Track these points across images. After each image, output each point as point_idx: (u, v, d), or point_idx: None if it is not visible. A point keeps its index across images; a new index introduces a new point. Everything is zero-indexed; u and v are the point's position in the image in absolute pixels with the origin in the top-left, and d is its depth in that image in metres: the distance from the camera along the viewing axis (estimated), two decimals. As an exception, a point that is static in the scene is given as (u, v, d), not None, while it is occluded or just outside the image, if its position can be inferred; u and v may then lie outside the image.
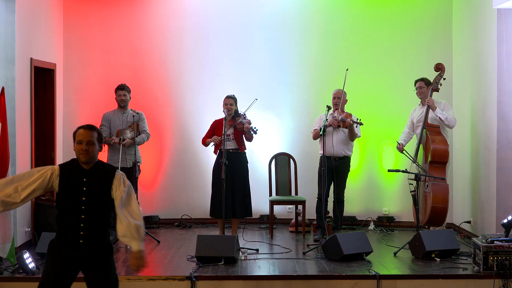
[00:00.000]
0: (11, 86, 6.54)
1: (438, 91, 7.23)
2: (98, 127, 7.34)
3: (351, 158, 7.54)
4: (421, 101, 7.34)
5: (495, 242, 5.58)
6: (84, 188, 3.82)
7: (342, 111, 7.33)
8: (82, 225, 3.80)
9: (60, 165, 3.90)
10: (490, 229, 6.84)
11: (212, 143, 7.15)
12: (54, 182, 3.82)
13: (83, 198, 3.81)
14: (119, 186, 3.87)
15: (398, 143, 7.33)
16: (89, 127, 3.88)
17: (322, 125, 6.99)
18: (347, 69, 7.19)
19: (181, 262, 6.20)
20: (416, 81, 7.34)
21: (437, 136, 7.03)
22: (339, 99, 7.32)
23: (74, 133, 3.89)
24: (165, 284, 5.50)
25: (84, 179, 3.83)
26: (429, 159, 6.96)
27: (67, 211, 3.82)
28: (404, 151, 7.22)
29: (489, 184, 7.02)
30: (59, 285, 3.84)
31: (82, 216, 3.81)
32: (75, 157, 3.92)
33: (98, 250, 3.88)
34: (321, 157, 7.39)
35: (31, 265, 5.59)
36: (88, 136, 3.83)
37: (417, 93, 7.32)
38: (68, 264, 3.83)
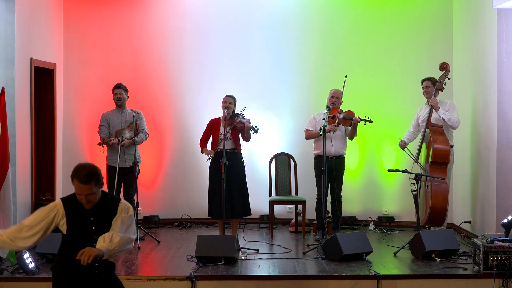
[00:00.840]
0: (11, 86, 6.54)
1: (442, 91, 7.23)
2: (98, 127, 7.39)
3: (351, 158, 7.54)
4: (427, 101, 7.32)
5: (495, 242, 5.58)
6: (93, 228, 3.82)
7: (341, 110, 7.31)
8: (98, 258, 3.73)
9: (63, 202, 3.81)
10: (490, 229, 6.84)
11: (207, 157, 7.18)
12: (60, 222, 3.79)
13: (94, 237, 3.80)
14: (120, 214, 3.87)
15: (401, 140, 7.32)
16: (86, 181, 3.70)
17: (322, 125, 6.97)
18: (345, 76, 7.18)
19: (181, 262, 6.20)
20: (423, 80, 7.32)
21: (439, 136, 7.02)
22: (337, 98, 7.31)
23: (72, 178, 3.75)
24: (165, 284, 5.50)
25: (92, 218, 3.82)
26: (430, 159, 6.95)
27: (77, 247, 3.73)
28: (406, 149, 7.21)
29: (489, 184, 7.02)
30: None
31: (94, 245, 3.76)
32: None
33: (109, 276, 3.95)
34: (316, 157, 7.41)
35: (31, 265, 5.58)
36: (86, 190, 3.73)
37: (423, 93, 7.30)
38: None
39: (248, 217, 7.35)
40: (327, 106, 7.22)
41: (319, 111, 7.56)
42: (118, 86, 7.42)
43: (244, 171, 7.26)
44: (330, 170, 7.24)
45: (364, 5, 8.54)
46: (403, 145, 7.27)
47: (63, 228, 3.81)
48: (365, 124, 7.21)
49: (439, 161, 6.96)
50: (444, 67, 7.18)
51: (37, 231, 3.75)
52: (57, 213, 3.79)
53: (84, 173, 3.70)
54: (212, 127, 7.27)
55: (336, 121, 7.19)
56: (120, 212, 3.87)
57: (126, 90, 7.46)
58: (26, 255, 5.59)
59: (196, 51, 8.56)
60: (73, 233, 3.81)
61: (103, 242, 3.72)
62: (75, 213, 3.81)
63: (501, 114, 6.84)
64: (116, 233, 3.76)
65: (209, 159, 7.16)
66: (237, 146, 7.19)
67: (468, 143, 7.68)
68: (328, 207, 7.61)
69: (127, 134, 7.31)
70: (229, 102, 7.16)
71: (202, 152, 7.28)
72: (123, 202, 3.93)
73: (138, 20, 8.52)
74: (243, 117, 7.12)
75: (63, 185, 8.13)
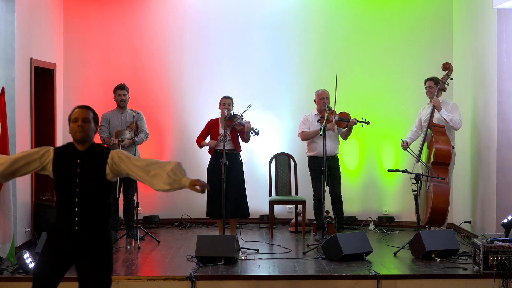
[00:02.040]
0: (11, 86, 6.54)
1: (445, 91, 7.23)
2: (98, 128, 7.37)
3: (351, 158, 7.55)
4: (429, 100, 7.32)
5: (495, 242, 5.58)
6: (78, 170, 3.72)
7: (334, 111, 7.31)
8: (76, 209, 3.69)
9: (55, 148, 3.83)
10: (490, 229, 6.84)
11: (209, 147, 7.17)
12: (47, 163, 3.74)
13: (77, 180, 3.70)
14: (119, 158, 3.74)
15: (403, 141, 7.32)
16: (85, 106, 3.83)
17: (322, 125, 6.97)
18: (336, 74, 7.19)
19: (181, 262, 6.20)
20: (426, 80, 7.31)
21: (441, 136, 7.01)
22: (328, 99, 7.32)
23: (69, 115, 3.81)
24: (165, 284, 5.50)
25: (78, 161, 3.74)
26: (432, 159, 6.95)
27: (62, 195, 3.73)
28: (408, 149, 7.21)
29: (489, 184, 7.02)
30: (51, 276, 3.70)
31: (76, 200, 3.70)
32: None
33: (93, 239, 3.73)
34: (310, 158, 7.41)
35: (31, 265, 5.57)
36: (83, 114, 3.76)
37: (426, 93, 7.29)
38: (62, 253, 3.71)
39: (248, 217, 7.36)
40: (327, 106, 7.22)
41: (310, 112, 7.56)
42: (122, 87, 7.41)
43: (243, 172, 7.26)
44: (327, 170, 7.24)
45: (364, 5, 8.54)
46: (405, 146, 7.27)
47: (49, 167, 3.74)
48: (362, 125, 7.22)
49: (441, 162, 6.96)
50: (447, 67, 7.18)
51: (21, 157, 3.73)
52: (47, 152, 3.76)
53: (80, 105, 3.84)
54: (211, 128, 7.27)
55: (334, 121, 7.20)
56: (115, 158, 3.75)
57: (128, 91, 7.47)
58: (26, 255, 5.59)
59: (196, 51, 8.56)
60: (58, 172, 3.73)
61: (174, 181, 3.64)
62: (64, 155, 3.76)
63: (501, 114, 6.84)
64: (166, 168, 3.65)
65: (211, 148, 7.12)
66: (236, 147, 7.19)
67: (468, 143, 7.68)
68: (328, 207, 7.61)
69: (127, 134, 7.31)
70: (227, 103, 7.17)
71: (202, 146, 7.24)
72: (116, 150, 3.85)
73: (138, 20, 8.52)
74: (242, 118, 7.12)
75: (63, 185, 8.14)
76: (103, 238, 3.80)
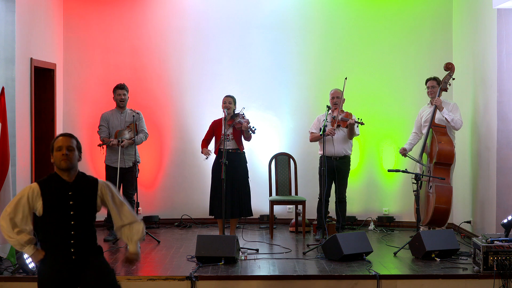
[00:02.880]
0: (11, 86, 6.54)
1: (446, 91, 7.23)
2: (97, 128, 7.38)
3: (351, 157, 7.52)
4: (430, 100, 7.32)
5: (495, 242, 5.58)
6: (71, 202, 3.71)
7: (342, 111, 7.33)
8: (72, 241, 3.71)
9: (38, 182, 3.76)
10: (490, 229, 6.84)
11: (204, 157, 7.21)
12: (36, 203, 3.69)
13: (71, 213, 3.70)
14: (106, 193, 3.83)
15: (402, 148, 7.34)
16: (68, 134, 3.82)
17: (322, 125, 6.97)
18: (345, 78, 7.18)
19: (181, 262, 6.20)
20: (427, 80, 7.31)
21: (443, 136, 7.02)
22: (338, 98, 7.32)
23: (52, 144, 3.78)
24: (165, 284, 5.50)
25: (70, 193, 3.73)
26: (435, 160, 6.95)
27: (54, 230, 3.70)
28: (408, 155, 7.23)
29: (489, 184, 7.02)
30: None
31: (72, 232, 3.71)
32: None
33: (90, 257, 3.81)
34: (321, 157, 7.41)
35: (31, 265, 5.58)
36: (67, 142, 3.74)
37: (428, 92, 7.29)
38: (62, 283, 3.72)
39: (251, 216, 7.37)
40: (327, 106, 7.22)
41: (321, 112, 7.57)
42: (121, 87, 7.40)
43: (247, 171, 7.27)
44: (332, 170, 7.25)
45: (364, 5, 8.54)
46: (403, 153, 7.29)
47: (38, 205, 3.69)
48: (357, 126, 7.23)
49: (444, 162, 6.96)
50: (449, 67, 7.18)
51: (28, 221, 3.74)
52: (32, 191, 3.70)
53: (64, 133, 3.85)
54: (215, 128, 7.28)
55: (336, 123, 7.20)
56: (103, 188, 3.82)
57: (128, 91, 7.47)
58: (26, 255, 5.59)
59: (196, 51, 8.56)
60: (50, 209, 3.70)
61: (133, 242, 3.87)
62: (52, 189, 3.72)
63: (501, 114, 6.84)
64: (132, 224, 3.86)
65: (206, 158, 7.20)
66: (240, 146, 7.19)
67: (468, 143, 7.68)
68: (331, 207, 7.60)
69: (127, 134, 7.30)
70: (228, 102, 7.18)
71: (202, 153, 7.30)
72: (101, 181, 3.88)
73: (138, 20, 8.52)
74: (243, 117, 7.13)
75: (63, 185, 8.14)
76: (98, 255, 3.89)
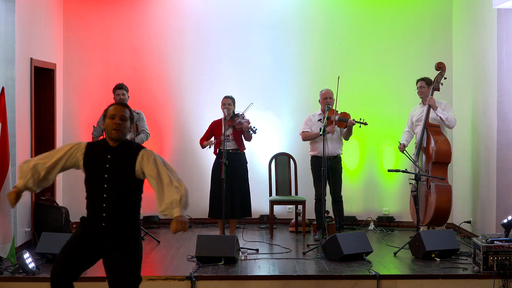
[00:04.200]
0: (11, 86, 6.54)
1: (439, 90, 7.23)
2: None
3: (351, 158, 7.56)
4: (421, 101, 7.35)
5: (495, 242, 5.58)
6: (107, 165, 3.69)
7: (337, 111, 7.32)
8: (104, 205, 3.67)
9: (88, 143, 3.82)
10: (490, 229, 6.84)
11: (208, 146, 7.19)
12: (78, 157, 3.73)
13: (106, 176, 3.67)
14: (145, 161, 3.72)
15: (400, 143, 7.35)
16: (122, 104, 3.83)
17: (322, 125, 6.97)
18: (338, 77, 7.18)
19: (181, 262, 6.20)
20: (417, 81, 7.35)
21: (439, 136, 7.04)
22: (331, 99, 7.31)
23: (106, 110, 3.80)
24: (165, 284, 5.50)
25: (109, 156, 3.72)
26: (433, 159, 6.95)
27: (91, 190, 3.72)
28: (405, 152, 7.24)
29: (489, 184, 7.02)
30: (75, 259, 3.70)
31: (104, 195, 3.67)
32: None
33: (121, 235, 3.71)
34: (312, 157, 7.43)
35: (31, 265, 5.58)
36: (121, 111, 3.74)
37: (418, 92, 7.33)
38: (89, 244, 3.71)
39: (250, 217, 7.37)
40: (327, 106, 7.22)
41: (314, 112, 7.57)
42: (120, 87, 7.40)
43: (247, 172, 7.27)
44: (327, 170, 7.25)
45: (364, 5, 8.54)
46: (402, 148, 7.30)
47: (80, 161, 3.72)
48: (360, 126, 7.22)
49: (442, 161, 6.97)
50: (440, 66, 7.19)
51: (60, 169, 3.75)
52: (79, 147, 3.75)
53: (119, 102, 3.89)
54: (214, 129, 7.29)
55: (333, 123, 7.20)
56: (144, 158, 3.72)
57: (127, 91, 7.46)
58: (26, 255, 5.59)
59: (196, 51, 8.56)
60: (88, 167, 3.71)
61: (172, 206, 3.69)
62: (95, 150, 3.75)
63: (501, 114, 6.84)
64: (176, 193, 3.72)
65: (209, 147, 7.20)
66: (240, 147, 7.19)
67: (468, 143, 7.68)
68: (329, 207, 7.61)
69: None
70: (227, 103, 7.18)
71: (204, 147, 7.27)
72: (147, 149, 3.81)
73: (138, 20, 8.52)
74: (243, 117, 7.13)
75: (63, 185, 8.15)
76: (131, 235, 3.78)
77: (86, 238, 3.73)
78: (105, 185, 3.67)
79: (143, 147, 3.83)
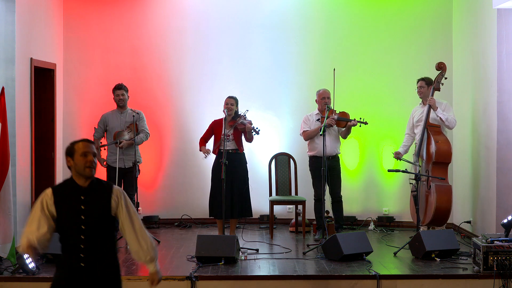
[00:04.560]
0: (11, 86, 6.54)
1: (439, 90, 7.23)
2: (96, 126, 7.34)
3: (351, 158, 7.55)
4: (422, 101, 7.35)
5: (495, 242, 5.58)
6: (82, 207, 3.62)
7: (335, 111, 7.32)
8: (82, 246, 3.60)
9: (53, 188, 3.69)
10: (490, 229, 6.84)
11: (204, 155, 7.21)
12: (51, 208, 3.61)
13: (82, 217, 3.60)
14: (120, 203, 3.70)
15: (396, 152, 7.35)
16: (88, 140, 3.72)
17: (322, 125, 6.97)
18: (334, 69, 7.18)
19: (181, 262, 6.20)
20: (418, 80, 7.35)
21: (439, 136, 7.04)
22: (329, 99, 7.32)
23: (71, 148, 3.66)
24: (165, 284, 5.48)
25: (82, 197, 3.63)
26: (433, 159, 6.95)
27: (67, 233, 3.62)
28: (402, 159, 7.25)
29: (489, 184, 7.02)
30: None
31: (82, 237, 3.60)
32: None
33: (101, 274, 3.67)
34: (311, 157, 7.43)
35: (31, 265, 5.58)
36: (91, 148, 3.65)
37: (417, 92, 7.33)
38: None
39: (251, 217, 7.37)
40: (327, 106, 7.23)
41: (311, 112, 7.57)
42: (119, 87, 7.40)
43: (247, 172, 7.28)
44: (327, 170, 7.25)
45: (364, 5, 8.54)
46: (398, 157, 7.29)
47: (52, 210, 3.60)
48: (360, 126, 7.23)
49: (442, 161, 6.98)
50: (441, 66, 7.19)
51: (46, 230, 3.61)
52: (45, 199, 3.62)
53: (85, 138, 3.74)
54: (214, 128, 7.29)
55: (333, 114, 7.21)
56: (117, 196, 3.69)
57: (127, 91, 7.46)
58: (26, 255, 5.58)
59: (196, 51, 8.56)
60: (62, 212, 3.60)
61: (146, 255, 3.78)
62: (65, 194, 3.64)
63: (501, 114, 6.84)
64: (145, 244, 3.76)
65: (205, 157, 7.21)
66: (239, 147, 7.19)
67: (469, 143, 7.68)
68: (328, 207, 7.61)
69: (126, 135, 7.30)
70: (230, 103, 7.18)
71: (200, 150, 7.30)
72: (117, 187, 3.76)
73: (138, 20, 8.52)
74: (245, 118, 7.13)
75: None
76: (112, 272, 3.74)
77: (66, 281, 3.64)
78: (82, 227, 3.62)
79: (113, 185, 3.77)
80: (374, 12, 8.51)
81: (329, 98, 7.32)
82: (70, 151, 3.67)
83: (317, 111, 7.46)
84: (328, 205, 7.53)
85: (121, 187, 7.29)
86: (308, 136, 7.44)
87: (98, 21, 8.47)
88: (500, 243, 5.57)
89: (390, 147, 8.33)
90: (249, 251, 6.60)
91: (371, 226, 8.25)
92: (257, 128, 7.02)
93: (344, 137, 7.42)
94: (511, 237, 5.65)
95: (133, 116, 7.30)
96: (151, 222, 8.31)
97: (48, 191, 3.66)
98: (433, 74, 7.30)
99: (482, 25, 7.28)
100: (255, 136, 7.17)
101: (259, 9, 8.59)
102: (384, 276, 5.60)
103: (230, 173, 6.97)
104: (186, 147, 8.49)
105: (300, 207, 7.75)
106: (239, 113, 7.20)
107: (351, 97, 8.18)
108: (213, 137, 7.33)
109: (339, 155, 7.51)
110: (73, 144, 3.68)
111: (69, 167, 3.67)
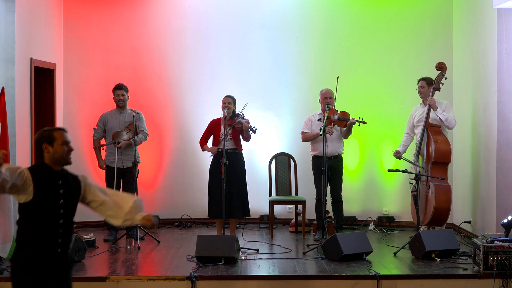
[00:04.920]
0: (11, 86, 6.54)
1: (439, 91, 7.23)
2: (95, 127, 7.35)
3: (351, 158, 7.55)
4: (422, 101, 7.35)
5: (495, 242, 5.58)
6: (61, 191, 3.62)
7: (336, 110, 7.33)
8: (60, 231, 3.59)
9: (29, 168, 3.62)
10: (490, 229, 6.84)
11: (210, 154, 7.21)
12: (28, 182, 3.52)
13: (61, 201, 3.60)
14: (86, 182, 3.77)
15: (395, 151, 7.35)
16: (65, 129, 3.78)
17: (322, 125, 6.98)
18: (338, 77, 7.18)
19: (181, 262, 6.20)
20: (418, 80, 7.35)
21: (439, 136, 7.04)
22: (331, 98, 7.32)
23: (50, 136, 3.68)
24: (165, 284, 5.50)
25: (60, 182, 3.64)
26: (432, 159, 6.96)
27: (44, 216, 3.56)
28: (402, 158, 7.25)
29: (489, 184, 7.02)
30: None
31: (61, 221, 3.60)
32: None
33: (70, 261, 3.74)
34: (313, 157, 7.43)
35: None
36: (68, 138, 3.72)
37: (418, 92, 7.33)
38: (44, 280, 3.57)
39: (248, 217, 7.36)
40: (327, 106, 7.23)
41: (314, 112, 7.58)
42: (120, 87, 7.40)
43: (245, 171, 7.27)
44: (328, 170, 7.25)
45: (364, 5, 8.54)
46: (398, 156, 7.30)
47: (29, 194, 3.51)
48: (359, 125, 7.23)
49: (441, 161, 6.98)
50: (441, 66, 7.19)
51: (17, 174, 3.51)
52: (23, 172, 3.53)
53: (60, 127, 3.80)
54: (213, 128, 7.29)
55: (332, 123, 7.21)
56: (85, 179, 3.79)
57: (127, 91, 7.47)
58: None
59: (196, 51, 8.56)
60: (41, 195, 3.54)
61: (133, 209, 3.79)
62: (43, 176, 3.60)
63: (501, 114, 6.84)
64: (129, 203, 3.80)
65: (211, 156, 7.19)
66: (238, 146, 7.19)
67: (469, 143, 7.68)
68: (329, 207, 7.61)
69: (125, 135, 7.30)
70: (228, 102, 7.18)
71: (204, 150, 7.30)
72: (79, 174, 3.83)
73: (138, 20, 8.52)
74: (243, 117, 7.13)
75: (63, 185, 8.14)
76: (70, 264, 3.82)
77: (40, 266, 3.58)
78: (61, 211, 3.61)
79: (75, 173, 3.81)
80: (374, 12, 8.52)
81: (331, 98, 7.32)
82: (49, 139, 3.70)
83: (320, 111, 7.46)
84: (328, 205, 7.53)
85: (120, 187, 7.32)
86: (307, 138, 7.46)
87: (98, 21, 8.47)
88: (500, 243, 5.57)
89: (390, 147, 8.33)
90: (249, 251, 6.60)
91: (371, 226, 8.25)
92: (254, 127, 7.02)
93: (345, 136, 7.42)
94: (511, 237, 5.65)
95: (133, 116, 7.30)
96: (151, 222, 8.29)
97: (25, 170, 3.56)
98: (433, 74, 7.30)
99: (482, 25, 7.28)
100: (253, 135, 7.16)
101: (259, 9, 8.59)
102: (384, 276, 5.60)
103: (229, 172, 6.96)
104: (186, 147, 8.49)
105: (300, 207, 7.75)
106: (237, 112, 7.20)
107: (351, 97, 8.18)
108: (212, 136, 7.32)
109: (342, 155, 7.50)
110: (50, 131, 3.73)
111: (41, 154, 3.68)
